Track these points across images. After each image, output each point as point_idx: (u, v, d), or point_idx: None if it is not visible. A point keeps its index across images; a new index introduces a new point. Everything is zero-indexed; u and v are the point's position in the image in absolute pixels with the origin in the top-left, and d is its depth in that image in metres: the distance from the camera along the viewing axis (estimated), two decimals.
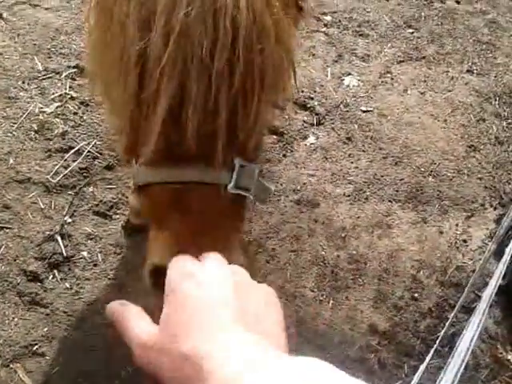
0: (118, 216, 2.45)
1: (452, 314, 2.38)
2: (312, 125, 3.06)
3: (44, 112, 2.72)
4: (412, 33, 3.68)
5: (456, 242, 2.65)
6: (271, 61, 0.99)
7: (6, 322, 2.09)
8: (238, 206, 1.09)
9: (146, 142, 0.99)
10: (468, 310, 2.44)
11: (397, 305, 2.46)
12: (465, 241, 2.66)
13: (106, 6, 1.02)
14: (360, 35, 3.62)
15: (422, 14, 3.80)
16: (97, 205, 2.47)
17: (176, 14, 0.90)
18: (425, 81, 3.40)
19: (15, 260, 2.25)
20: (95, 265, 2.29)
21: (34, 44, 3.05)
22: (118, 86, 1.00)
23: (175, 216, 1.01)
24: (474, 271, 2.55)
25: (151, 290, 1.02)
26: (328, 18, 3.67)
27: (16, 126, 2.65)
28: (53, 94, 2.82)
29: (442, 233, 2.69)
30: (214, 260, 0.76)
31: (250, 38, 0.94)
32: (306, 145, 2.96)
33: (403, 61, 3.50)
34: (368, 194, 2.80)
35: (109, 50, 1.01)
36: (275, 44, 0.99)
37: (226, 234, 1.03)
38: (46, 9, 3.24)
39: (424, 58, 3.53)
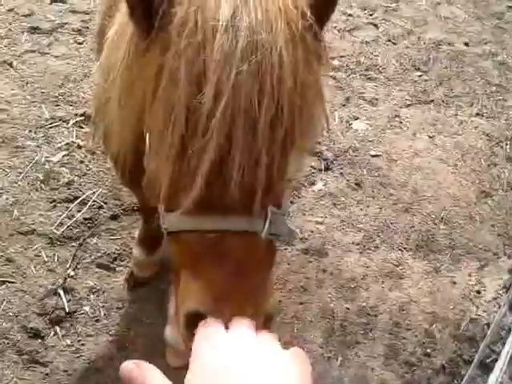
0: (121, 268, 2.40)
1: (468, 371, 2.28)
2: (320, 170, 3.02)
3: (50, 161, 2.71)
4: (420, 76, 3.66)
5: (469, 294, 2.56)
6: (310, 114, 1.08)
7: (5, 382, 2.03)
8: (270, 252, 1.10)
9: (188, 192, 1.01)
10: (483, 366, 2.34)
11: (409, 361, 2.37)
12: (478, 292, 2.57)
13: (141, 58, 1.08)
14: (368, 79, 3.61)
15: (431, 56, 3.78)
16: (100, 257, 2.43)
17: (228, 72, 0.95)
18: (434, 124, 3.36)
19: (16, 316, 2.21)
20: (97, 320, 2.24)
21: (42, 92, 3.06)
22: (163, 139, 1.03)
23: (211, 263, 1.02)
24: (488, 324, 2.45)
25: (188, 342, 0.99)
26: (336, 62, 3.67)
27: (22, 175, 2.64)
28: (59, 142, 2.81)
29: (454, 283, 2.61)
30: (240, 327, 0.79)
31: (293, 96, 1.00)
32: (313, 191, 2.92)
33: (411, 104, 3.47)
34: (378, 242, 2.73)
35: (157, 103, 1.04)
36: (314, 98, 1.08)
37: (260, 281, 1.04)
38: (56, 56, 3.27)
39: (433, 101, 3.50)
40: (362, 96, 3.48)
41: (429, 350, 2.40)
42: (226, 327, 0.81)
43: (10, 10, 3.51)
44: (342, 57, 3.71)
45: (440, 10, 4.16)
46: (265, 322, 1.03)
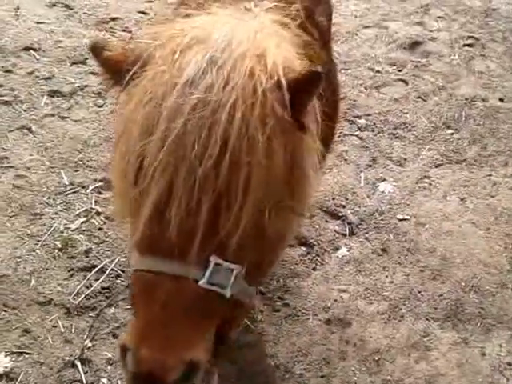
0: None
1: None
2: (344, 235, 3.31)
3: (68, 228, 3.09)
4: (452, 134, 3.98)
5: (499, 365, 2.76)
6: (259, 173, 1.27)
7: None
8: (211, 302, 1.29)
9: (135, 230, 1.28)
10: None
11: None
12: (509, 364, 2.77)
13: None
14: (396, 138, 3.94)
15: (463, 113, 4.11)
16: (118, 327, 2.73)
17: (175, 124, 1.23)
18: (465, 186, 3.64)
19: None
20: None
21: (62, 157, 3.48)
22: (121, 180, 1.35)
23: (144, 303, 1.26)
24: None
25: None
26: (362, 120, 4.03)
27: (40, 243, 3.01)
28: (78, 209, 3.20)
29: (484, 355, 2.82)
30: None
31: (238, 150, 1.24)
32: (337, 257, 3.20)
33: (442, 164, 3.78)
34: (404, 311, 2.97)
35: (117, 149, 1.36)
36: (266, 158, 1.28)
37: (192, 328, 1.25)
38: (75, 121, 3.72)
39: (464, 160, 3.79)
40: (389, 156, 3.81)
41: None
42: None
43: (30, 73, 4.02)
44: (368, 115, 4.07)
45: (473, 64, 4.53)
46: (190, 368, 1.24)
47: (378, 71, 4.41)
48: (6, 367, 2.55)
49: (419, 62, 4.52)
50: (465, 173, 3.73)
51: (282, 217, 1.40)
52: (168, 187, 1.25)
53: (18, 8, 4.49)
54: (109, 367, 2.60)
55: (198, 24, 1.44)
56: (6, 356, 2.58)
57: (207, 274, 1.24)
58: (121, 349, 1.29)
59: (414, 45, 4.66)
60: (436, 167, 3.76)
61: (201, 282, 1.24)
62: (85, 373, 2.56)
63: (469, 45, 4.70)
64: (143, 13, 4.67)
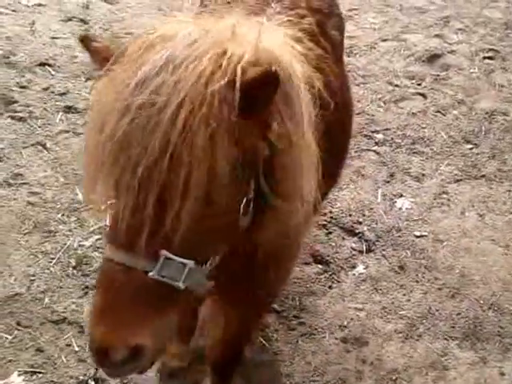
0: None
1: None
2: (361, 252, 3.39)
3: (83, 246, 3.20)
4: (471, 149, 4.06)
5: None
6: (199, 172, 1.34)
7: None
8: (162, 293, 1.41)
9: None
10: None
11: None
12: None
13: None
14: (414, 153, 4.03)
15: (483, 128, 4.19)
16: None
17: (123, 121, 1.34)
18: (484, 201, 3.71)
19: None
20: None
21: (76, 174, 3.60)
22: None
23: (102, 289, 1.40)
24: None
25: None
26: (380, 135, 4.12)
27: (54, 261, 3.12)
28: (92, 225, 3.31)
29: (503, 374, 2.87)
30: None
31: (179, 150, 1.32)
32: (354, 275, 3.27)
33: (461, 180, 3.85)
34: (421, 330, 3.04)
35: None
36: (207, 159, 1.34)
37: (141, 316, 1.38)
38: None
39: (484, 176, 3.87)
40: (407, 172, 3.89)
41: None
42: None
43: (46, 89, 4.17)
44: (386, 130, 4.17)
45: (494, 77, 4.61)
46: (134, 352, 1.37)
47: (396, 85, 4.51)
48: None
49: (438, 75, 4.62)
50: (484, 188, 3.80)
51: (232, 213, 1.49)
52: (115, 184, 1.38)
53: (34, 23, 4.68)
54: None
55: (171, 24, 1.54)
56: (19, 375, 2.67)
57: (157, 266, 1.36)
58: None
59: (433, 58, 4.76)
60: (455, 183, 3.84)
61: (150, 274, 1.36)
62: None
63: (489, 57, 4.80)
64: None
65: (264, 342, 2.89)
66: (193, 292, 1.48)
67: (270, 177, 1.52)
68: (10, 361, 2.72)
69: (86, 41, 1.52)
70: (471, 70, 4.65)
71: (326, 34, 2.44)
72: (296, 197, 1.58)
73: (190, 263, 1.40)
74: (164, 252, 1.37)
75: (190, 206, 1.33)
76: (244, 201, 1.48)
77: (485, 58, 4.76)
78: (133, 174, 1.33)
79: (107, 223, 1.47)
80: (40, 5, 4.98)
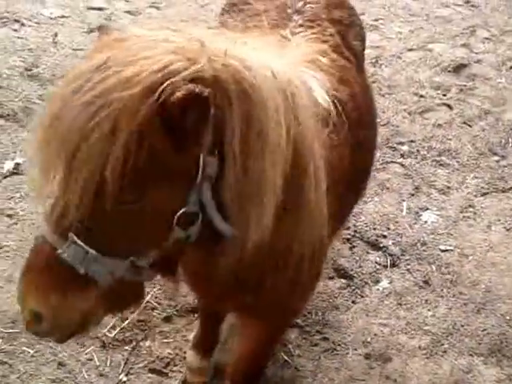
0: (174, 374, 2.87)
1: None
2: (385, 267, 3.47)
3: None
4: (498, 161, 4.12)
5: None
6: (92, 173, 1.44)
7: None
8: (68, 274, 1.54)
9: None
10: None
11: None
12: None
13: None
14: (440, 165, 4.10)
15: (510, 139, 4.25)
16: (153, 361, 2.91)
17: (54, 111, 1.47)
18: (511, 215, 3.78)
19: None
20: None
21: None
22: None
23: (28, 255, 1.59)
24: None
25: None
26: (405, 147, 4.21)
27: None
28: None
29: None
30: None
31: (85, 148, 1.41)
32: (378, 289, 3.36)
33: (487, 193, 3.92)
34: (446, 346, 3.11)
35: None
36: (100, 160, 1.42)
37: (48, 286, 1.55)
38: None
39: (511, 189, 3.93)
40: (432, 184, 3.97)
41: None
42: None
43: None
44: (412, 141, 4.25)
45: None
46: (31, 319, 1.59)
47: (421, 96, 4.59)
48: None
49: (464, 85, 4.69)
50: (511, 202, 3.87)
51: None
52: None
53: (56, 35, 4.83)
54: None
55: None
56: None
57: (64, 247, 1.50)
58: None
59: (459, 68, 4.84)
60: (481, 196, 3.91)
61: (57, 251, 1.51)
62: None
63: None
64: None
65: (286, 357, 2.98)
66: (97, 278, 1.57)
67: (218, 197, 1.56)
68: (31, 375, 2.83)
69: (101, 30, 1.66)
70: (498, 80, 4.72)
71: (348, 44, 2.54)
72: (246, 227, 1.60)
73: (93, 252, 1.50)
74: (71, 235, 1.49)
75: (87, 200, 1.45)
76: (179, 213, 1.52)
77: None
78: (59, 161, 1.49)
79: None
80: (63, 16, 5.14)
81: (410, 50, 5.02)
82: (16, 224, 3.43)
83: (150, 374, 2.89)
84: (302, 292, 2.19)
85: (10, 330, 2.97)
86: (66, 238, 1.49)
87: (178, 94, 1.36)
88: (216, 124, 1.46)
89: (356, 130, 2.23)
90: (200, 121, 1.41)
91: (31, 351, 2.90)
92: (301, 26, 2.34)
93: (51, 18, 5.10)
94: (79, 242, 1.49)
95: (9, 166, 3.74)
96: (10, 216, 3.48)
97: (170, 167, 1.47)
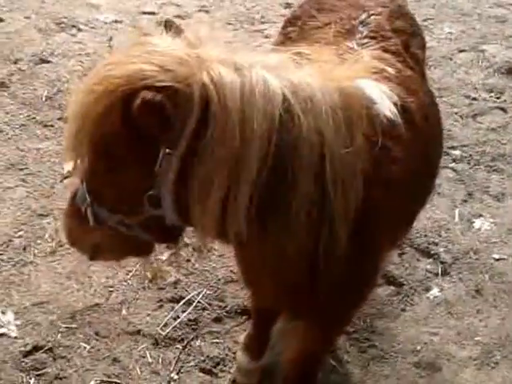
0: (223, 374, 2.90)
1: None
2: (436, 275, 3.40)
3: (158, 259, 3.36)
4: None
5: None
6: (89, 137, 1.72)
7: None
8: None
9: None
10: None
11: None
12: None
13: None
14: (494, 171, 4.00)
15: None
16: (203, 361, 2.95)
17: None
18: None
19: None
20: None
21: None
22: None
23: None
24: None
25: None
26: (457, 152, 4.11)
27: (131, 274, 3.29)
28: None
29: None
30: None
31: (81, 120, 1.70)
32: (428, 298, 3.29)
33: None
34: (499, 357, 3.03)
35: None
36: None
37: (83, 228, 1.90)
38: None
39: None
40: (486, 190, 3.87)
41: None
42: None
43: None
44: (464, 146, 4.16)
45: None
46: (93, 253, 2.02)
47: (474, 98, 4.49)
48: None
49: None
50: None
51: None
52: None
53: (111, 39, 4.93)
54: None
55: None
56: None
57: (78, 190, 1.84)
58: None
59: None
60: None
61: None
62: None
63: None
64: (229, 42, 4.95)
65: (334, 363, 2.95)
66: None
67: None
68: (87, 370, 2.90)
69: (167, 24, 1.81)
70: None
71: (411, 53, 2.51)
72: (197, 222, 1.71)
73: (88, 199, 1.80)
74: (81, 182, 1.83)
75: (80, 151, 1.75)
76: (147, 194, 1.70)
77: None
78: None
79: None
80: (116, 21, 5.25)
81: (462, 51, 4.92)
82: None
83: (200, 374, 2.93)
84: (353, 299, 2.17)
85: (69, 326, 3.06)
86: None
87: (137, 101, 1.53)
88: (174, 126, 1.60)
89: (424, 140, 2.19)
90: (153, 123, 1.57)
91: (88, 346, 2.98)
92: (366, 37, 2.33)
93: (106, 23, 5.22)
94: (83, 186, 1.81)
95: (69, 166, 3.81)
96: None
97: (133, 154, 1.67)
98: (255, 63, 1.65)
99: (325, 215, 1.73)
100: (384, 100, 1.93)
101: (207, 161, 1.60)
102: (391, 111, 1.92)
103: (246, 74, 1.61)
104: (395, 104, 1.95)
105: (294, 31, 2.58)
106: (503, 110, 4.42)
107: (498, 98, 4.50)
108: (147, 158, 1.64)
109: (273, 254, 1.79)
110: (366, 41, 2.28)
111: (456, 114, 4.37)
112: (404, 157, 1.99)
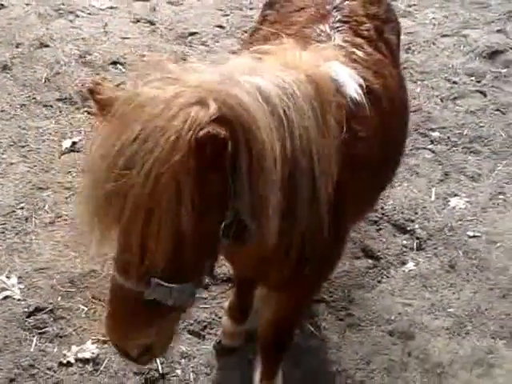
0: (210, 336, 3.00)
1: None
2: (412, 249, 3.47)
3: None
4: None
5: None
6: (166, 223, 1.55)
7: None
8: (157, 305, 1.69)
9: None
10: None
11: None
12: None
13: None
14: (471, 152, 4.05)
15: None
16: (192, 324, 3.05)
17: (106, 184, 1.56)
18: None
19: (116, 373, 2.85)
20: (187, 383, 2.84)
21: None
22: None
23: (111, 304, 1.75)
24: None
25: None
26: (436, 133, 4.16)
27: None
28: None
29: None
30: None
31: (150, 208, 1.54)
32: (403, 271, 3.36)
33: None
34: (469, 328, 3.11)
35: None
36: (175, 210, 1.54)
37: (143, 322, 1.72)
38: None
39: None
40: (462, 171, 3.92)
41: None
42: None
43: (117, 86, 4.38)
44: (443, 128, 4.20)
45: None
46: (146, 348, 1.77)
47: (454, 82, 4.53)
48: (93, 353, 2.92)
49: (499, 72, 4.60)
50: None
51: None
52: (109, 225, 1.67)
53: (106, 25, 5.01)
54: (183, 360, 2.92)
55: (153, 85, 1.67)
56: (92, 343, 2.96)
57: (149, 290, 1.65)
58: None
59: (494, 54, 4.74)
60: None
61: (145, 295, 1.66)
62: (161, 363, 2.89)
63: None
64: (220, 27, 5.05)
65: (313, 329, 3.05)
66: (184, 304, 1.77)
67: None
68: (84, 329, 3.04)
69: (93, 92, 1.68)
70: None
71: (384, 39, 2.56)
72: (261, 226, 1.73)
73: (176, 287, 1.67)
74: (153, 279, 1.64)
75: (162, 249, 1.58)
76: (222, 226, 1.67)
77: None
78: (117, 223, 1.62)
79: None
80: (112, 8, 5.31)
81: (444, 35, 4.94)
82: (73, 195, 3.65)
83: (188, 335, 3.04)
84: (322, 270, 2.26)
85: (68, 290, 3.19)
86: (148, 283, 1.64)
87: (202, 136, 1.49)
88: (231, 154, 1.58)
89: (388, 121, 2.25)
90: (220, 154, 1.53)
91: (85, 308, 3.12)
92: (339, 21, 2.38)
93: (101, 9, 5.28)
94: (162, 282, 1.64)
95: (67, 144, 3.99)
96: (68, 189, 3.71)
97: (212, 193, 1.60)
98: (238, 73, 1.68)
99: (314, 201, 1.83)
100: (350, 82, 1.98)
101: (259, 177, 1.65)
102: (357, 93, 1.98)
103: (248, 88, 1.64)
104: (361, 86, 2.01)
105: (271, 14, 2.62)
106: (483, 93, 4.45)
107: (478, 81, 4.53)
108: (220, 190, 1.62)
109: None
110: (338, 25, 2.33)
111: (437, 96, 4.41)
112: (369, 136, 2.05)
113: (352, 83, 2.00)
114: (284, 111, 1.69)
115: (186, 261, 1.65)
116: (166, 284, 1.65)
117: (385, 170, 2.52)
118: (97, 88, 1.67)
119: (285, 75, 1.74)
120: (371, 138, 2.07)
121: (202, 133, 1.49)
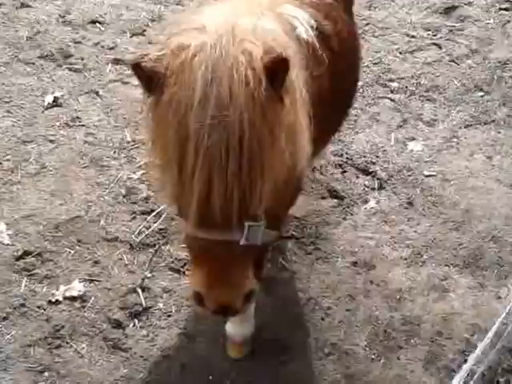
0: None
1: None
2: (373, 189, 3.50)
3: (131, 178, 3.42)
4: (482, 96, 4.05)
5: None
6: (269, 161, 1.57)
7: (93, 362, 2.70)
8: (248, 252, 1.69)
9: (186, 210, 1.64)
10: None
11: (448, 367, 2.79)
12: None
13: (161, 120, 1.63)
14: (427, 100, 4.05)
15: (495, 76, 4.16)
16: (172, 262, 3.07)
17: (202, 139, 1.51)
18: (492, 145, 3.74)
19: (103, 309, 2.88)
20: (169, 315, 2.87)
21: (125, 117, 3.79)
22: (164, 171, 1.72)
23: (206, 260, 1.67)
24: None
25: (197, 308, 1.79)
26: (395, 84, 4.14)
27: (107, 191, 3.36)
28: (139, 162, 3.51)
29: (499, 298, 2.99)
30: None
31: (252, 150, 1.53)
32: (366, 208, 3.40)
33: (471, 125, 3.87)
34: (426, 257, 3.17)
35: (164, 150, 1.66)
36: (271, 143, 1.57)
37: (238, 272, 1.69)
38: (136, 86, 3.98)
39: (493, 121, 3.88)
40: (419, 117, 3.93)
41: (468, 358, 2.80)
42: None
43: (97, 44, 4.32)
44: (401, 79, 4.18)
45: (508, 28, 4.54)
46: (247, 296, 1.73)
47: (413, 36, 4.48)
48: (80, 291, 2.94)
49: (454, 26, 4.56)
50: (493, 133, 3.82)
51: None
52: (207, 185, 1.57)
53: None
54: (164, 294, 2.95)
55: (197, 25, 1.64)
56: (79, 282, 2.98)
57: (244, 235, 1.62)
58: (196, 296, 1.75)
59: (449, 9, 4.69)
60: (465, 128, 3.86)
61: (241, 242, 1.63)
62: (144, 298, 2.93)
63: (505, 9, 4.70)
64: None
65: (284, 262, 3.10)
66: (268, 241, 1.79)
67: None
68: (71, 270, 3.05)
69: (134, 67, 1.59)
70: (486, 22, 4.57)
71: None
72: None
73: (264, 224, 1.66)
74: (248, 223, 1.61)
75: (267, 186, 1.58)
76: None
77: (500, 9, 4.66)
78: (221, 177, 1.55)
79: (190, 212, 1.64)
80: None
81: None
82: (57, 148, 3.62)
83: (169, 272, 3.07)
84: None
85: (54, 235, 3.18)
86: (241, 229, 1.61)
87: (274, 58, 1.53)
88: None
89: (339, 62, 2.22)
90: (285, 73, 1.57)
91: (72, 251, 3.12)
92: None
93: None
94: (254, 223, 1.63)
95: (49, 99, 3.91)
96: (51, 141, 3.66)
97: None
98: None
99: None
100: (303, 24, 1.95)
101: None
102: (308, 34, 1.95)
103: None
104: (312, 27, 1.98)
105: None
106: (438, 46, 4.41)
107: (434, 35, 4.49)
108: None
109: None
110: None
111: (396, 50, 4.36)
112: (321, 75, 2.03)
113: (303, 26, 1.97)
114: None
115: (279, 197, 1.67)
116: (256, 223, 1.64)
117: (338, 107, 2.51)
118: (140, 64, 1.57)
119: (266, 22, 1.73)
120: (324, 76, 2.05)
121: (271, 56, 1.52)
